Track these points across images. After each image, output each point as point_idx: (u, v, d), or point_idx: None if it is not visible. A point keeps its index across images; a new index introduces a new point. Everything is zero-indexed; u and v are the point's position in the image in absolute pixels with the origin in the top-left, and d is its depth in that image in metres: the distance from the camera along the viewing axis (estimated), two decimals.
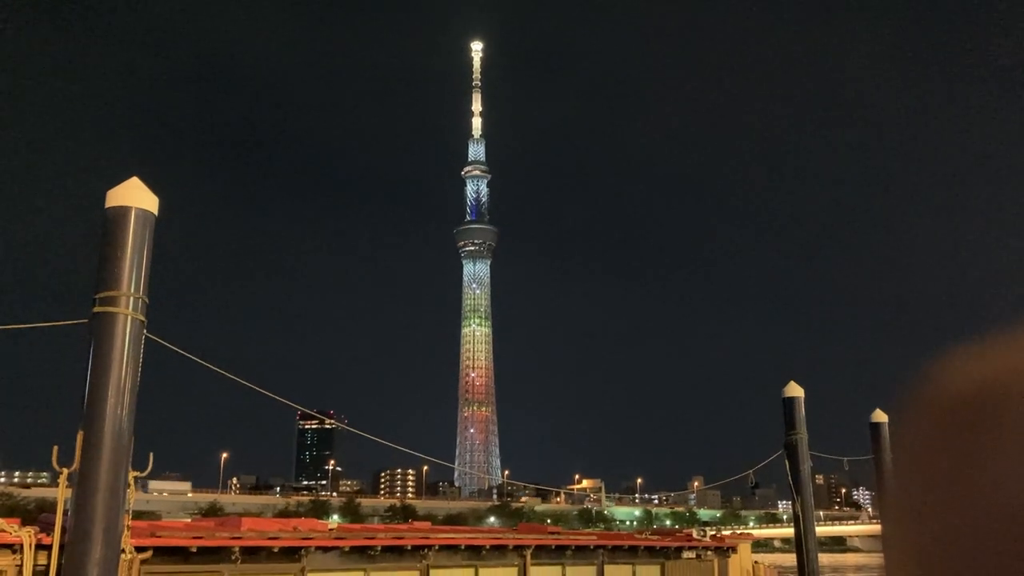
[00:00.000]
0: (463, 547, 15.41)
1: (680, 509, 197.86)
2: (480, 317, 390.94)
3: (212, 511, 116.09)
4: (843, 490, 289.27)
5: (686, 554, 19.91)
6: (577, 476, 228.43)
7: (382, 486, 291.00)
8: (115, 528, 9.86)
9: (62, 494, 9.89)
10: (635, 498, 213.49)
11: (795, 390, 24.22)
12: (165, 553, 11.42)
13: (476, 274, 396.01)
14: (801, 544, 22.79)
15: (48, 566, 10.19)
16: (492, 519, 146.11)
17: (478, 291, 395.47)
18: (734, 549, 21.27)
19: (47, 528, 10.57)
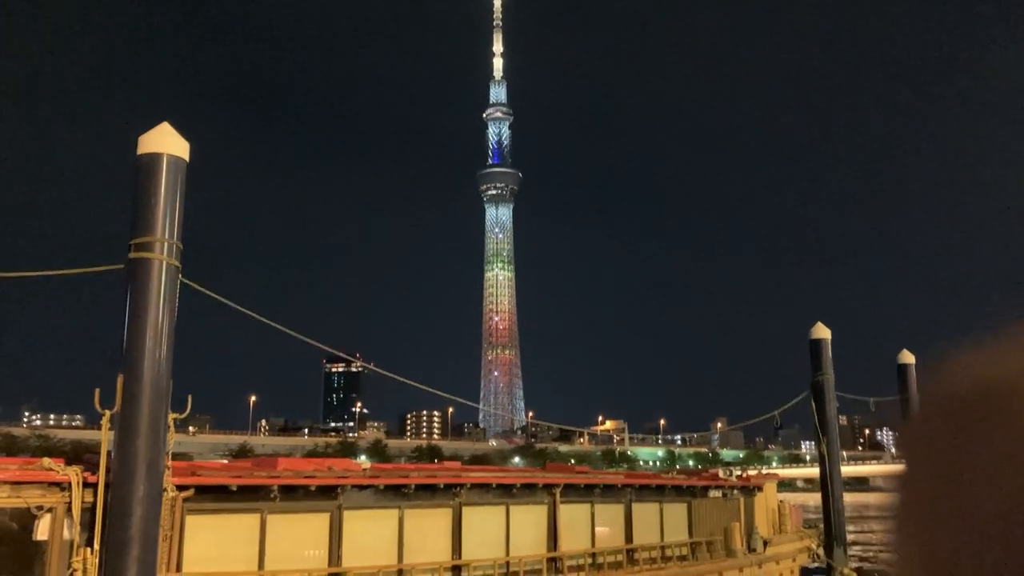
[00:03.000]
0: (494, 486, 15.70)
1: (703, 449, 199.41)
2: (503, 261, 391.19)
3: (242, 452, 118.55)
4: (866, 430, 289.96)
5: (712, 493, 20.16)
6: (600, 417, 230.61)
7: (408, 428, 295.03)
8: (157, 467, 10.14)
9: (105, 435, 10.16)
10: (658, 439, 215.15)
11: (822, 332, 24.20)
12: (206, 491, 11.73)
13: (498, 218, 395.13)
14: (827, 484, 23.00)
15: (95, 503, 10.53)
16: (517, 459, 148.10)
17: (500, 235, 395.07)
18: (760, 488, 21.50)
19: (92, 467, 10.89)
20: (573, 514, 16.68)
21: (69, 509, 10.59)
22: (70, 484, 10.61)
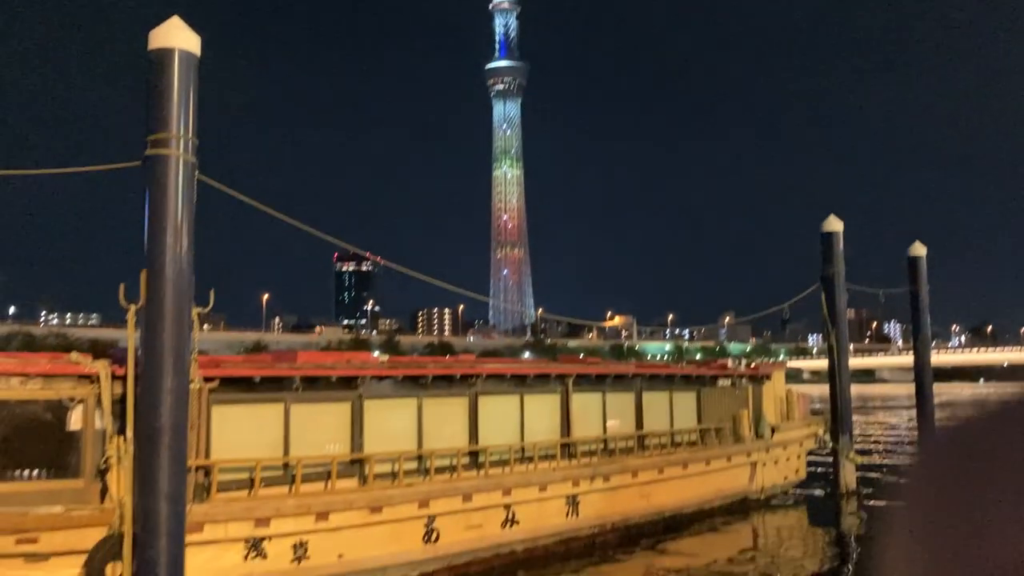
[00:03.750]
0: (509, 376, 16.09)
1: (710, 343, 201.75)
2: (511, 159, 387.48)
3: (257, 349, 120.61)
4: (873, 324, 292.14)
5: (721, 382, 20.58)
6: (609, 313, 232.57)
7: (419, 325, 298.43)
8: (183, 359, 10.43)
9: (131, 329, 10.41)
10: (666, 333, 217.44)
11: (834, 224, 24.18)
12: (231, 383, 12.09)
13: (506, 114, 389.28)
14: (835, 374, 23.42)
15: (123, 395, 10.89)
16: (527, 355, 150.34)
17: (508, 132, 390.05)
18: (768, 377, 21.92)
19: (119, 361, 11.21)
20: (585, 403, 17.12)
21: (99, 401, 10.97)
22: (99, 377, 10.96)
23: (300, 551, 11.95)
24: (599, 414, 17.41)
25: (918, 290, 26.48)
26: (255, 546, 11.55)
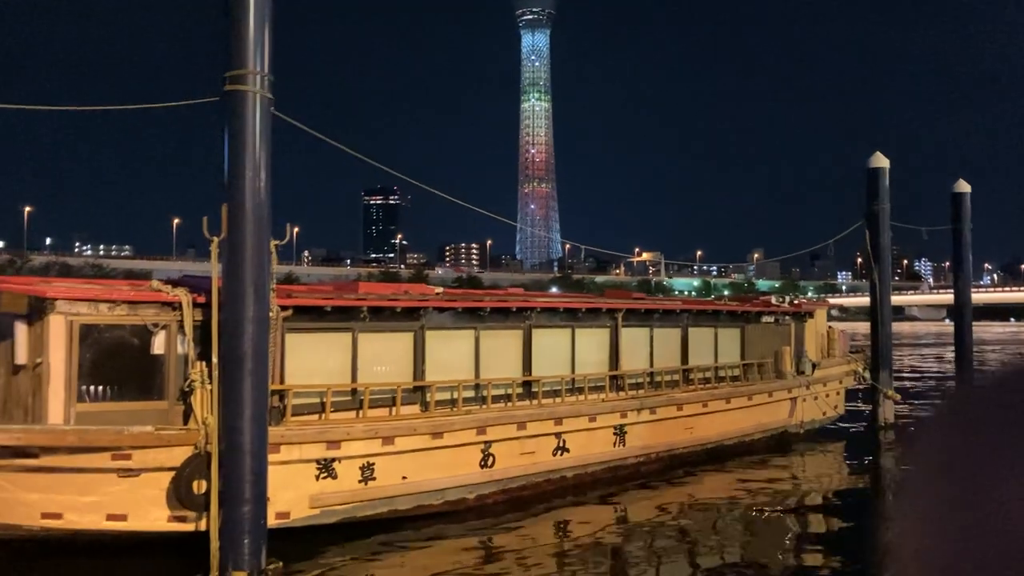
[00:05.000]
0: (561, 310, 16.52)
1: (738, 280, 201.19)
2: (539, 92, 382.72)
3: (288, 281, 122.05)
4: (904, 261, 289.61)
5: (765, 319, 20.90)
6: (637, 249, 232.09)
7: (447, 259, 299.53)
8: (263, 289, 10.88)
9: (215, 259, 10.85)
10: (694, 269, 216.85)
11: (880, 161, 24.12)
12: (303, 312, 12.58)
13: (535, 45, 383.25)
14: (876, 311, 23.62)
15: (203, 322, 11.42)
16: (554, 289, 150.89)
17: (537, 64, 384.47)
18: (810, 315, 22.19)
19: (197, 289, 11.73)
20: (633, 337, 17.54)
21: (181, 327, 11.51)
22: (181, 304, 11.48)
23: (367, 472, 12.57)
24: (646, 348, 17.85)
25: (961, 228, 26.45)
26: (326, 467, 12.16)
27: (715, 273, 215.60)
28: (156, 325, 11.49)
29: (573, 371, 16.23)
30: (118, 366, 11.37)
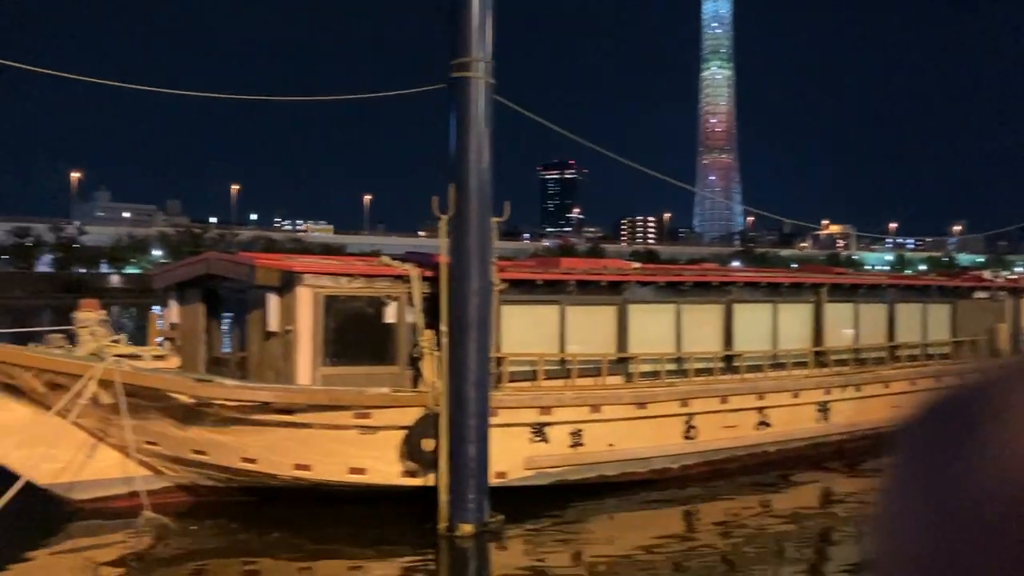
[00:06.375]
0: (764, 284, 16.47)
1: (937, 254, 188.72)
2: (721, 59, 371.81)
3: None
4: None
5: (978, 295, 19.89)
6: (824, 222, 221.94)
7: (623, 233, 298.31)
8: (486, 264, 11.65)
9: (443, 235, 11.73)
10: (887, 242, 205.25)
11: None
12: (516, 285, 13.34)
13: (717, 12, 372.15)
14: None
15: (430, 294, 12.36)
16: (735, 264, 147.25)
17: (719, 30, 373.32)
18: None
19: (422, 263, 12.72)
20: (838, 312, 17.22)
21: (410, 298, 12.51)
22: (411, 277, 12.47)
23: (576, 438, 13.19)
24: (851, 324, 17.48)
25: None
26: (539, 431, 12.88)
27: (911, 247, 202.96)
28: (389, 296, 12.55)
29: (775, 346, 16.18)
30: (356, 333, 12.52)
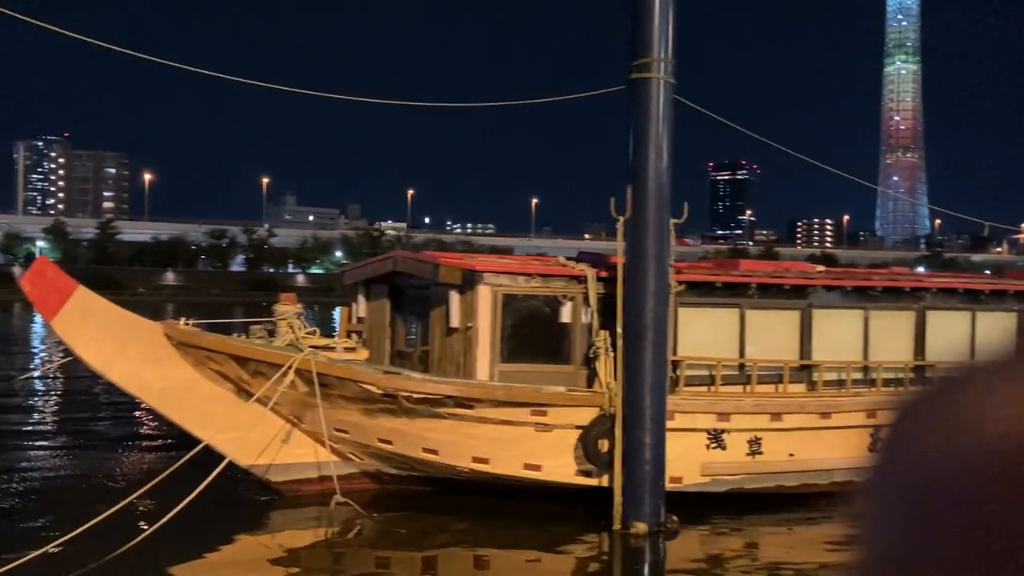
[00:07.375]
0: (961, 291, 15.41)
1: None
2: (906, 53, 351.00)
3: None
4: None
5: None
6: None
7: (798, 236, 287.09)
8: (663, 265, 11.56)
9: (620, 236, 11.73)
10: None
11: None
12: (694, 287, 13.13)
13: (902, 3, 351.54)
14: None
15: (604, 294, 12.37)
16: (920, 269, 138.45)
17: (904, 23, 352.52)
18: None
19: (597, 265, 12.76)
20: None
21: (586, 298, 12.58)
22: (587, 278, 12.54)
23: (755, 446, 12.82)
24: None
25: None
26: (716, 437, 12.61)
27: None
28: (565, 296, 12.67)
29: (974, 356, 15.09)
30: (533, 331, 12.72)
